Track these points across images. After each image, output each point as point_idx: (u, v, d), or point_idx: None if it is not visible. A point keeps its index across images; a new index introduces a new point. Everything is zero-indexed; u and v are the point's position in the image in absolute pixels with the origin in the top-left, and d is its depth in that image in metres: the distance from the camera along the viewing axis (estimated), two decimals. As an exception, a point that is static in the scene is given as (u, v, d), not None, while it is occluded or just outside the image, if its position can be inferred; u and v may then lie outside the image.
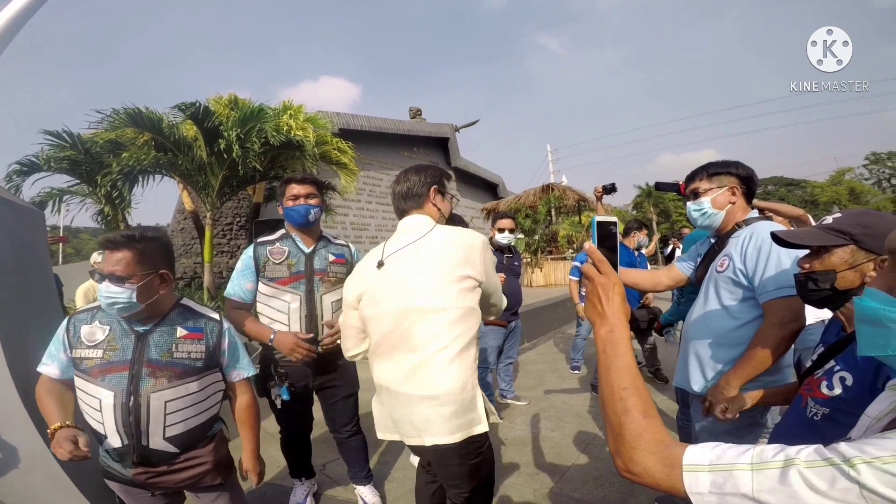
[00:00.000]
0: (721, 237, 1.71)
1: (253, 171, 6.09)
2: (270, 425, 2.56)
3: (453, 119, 31.77)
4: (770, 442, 0.83)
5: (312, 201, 2.12)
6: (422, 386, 1.34)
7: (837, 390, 1.02)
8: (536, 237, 11.21)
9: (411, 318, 1.37)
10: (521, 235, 11.94)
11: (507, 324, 3.66)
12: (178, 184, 7.47)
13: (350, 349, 1.57)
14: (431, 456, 1.48)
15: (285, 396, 2.04)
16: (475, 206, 16.65)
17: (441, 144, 16.74)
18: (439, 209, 1.56)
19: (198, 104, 5.66)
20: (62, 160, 5.76)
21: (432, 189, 1.54)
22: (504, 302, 1.68)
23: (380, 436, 1.55)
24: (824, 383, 1.06)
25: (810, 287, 1.12)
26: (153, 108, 5.83)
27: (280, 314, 2.08)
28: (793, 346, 1.46)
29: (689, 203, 1.74)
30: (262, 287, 2.10)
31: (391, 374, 1.41)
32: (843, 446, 0.51)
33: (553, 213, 12.33)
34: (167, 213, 14.75)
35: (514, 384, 4.03)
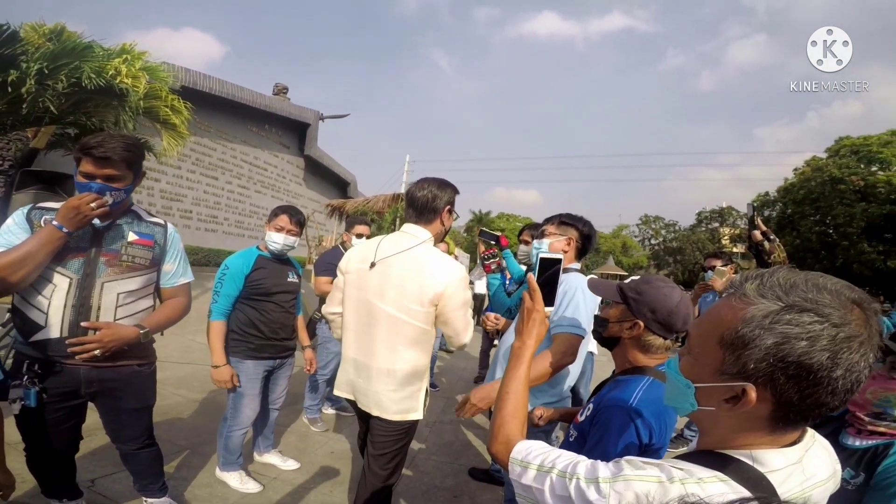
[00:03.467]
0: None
1: (44, 111, 4.89)
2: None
3: (322, 107, 30.14)
4: None
5: (115, 184, 1.62)
6: (383, 373, 1.68)
7: (582, 417, 1.31)
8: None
9: (381, 316, 1.67)
10: (362, 239, 11.94)
11: None
12: None
13: (332, 307, 1.89)
14: (373, 425, 1.77)
15: (30, 402, 1.56)
16: (320, 200, 16.07)
17: (299, 129, 15.78)
18: (444, 225, 1.78)
19: (5, 26, 4.47)
20: None
21: (446, 209, 1.75)
22: (462, 338, 1.76)
23: (336, 392, 1.85)
24: (583, 410, 1.34)
25: (594, 327, 1.43)
26: None
27: (41, 299, 1.59)
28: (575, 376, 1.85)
29: (534, 241, 2.01)
30: None
31: (359, 351, 1.73)
32: (600, 466, 0.69)
33: (398, 221, 12.68)
34: None
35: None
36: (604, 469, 0.68)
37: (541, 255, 1.02)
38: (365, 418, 1.84)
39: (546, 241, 1.93)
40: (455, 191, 1.80)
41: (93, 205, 1.54)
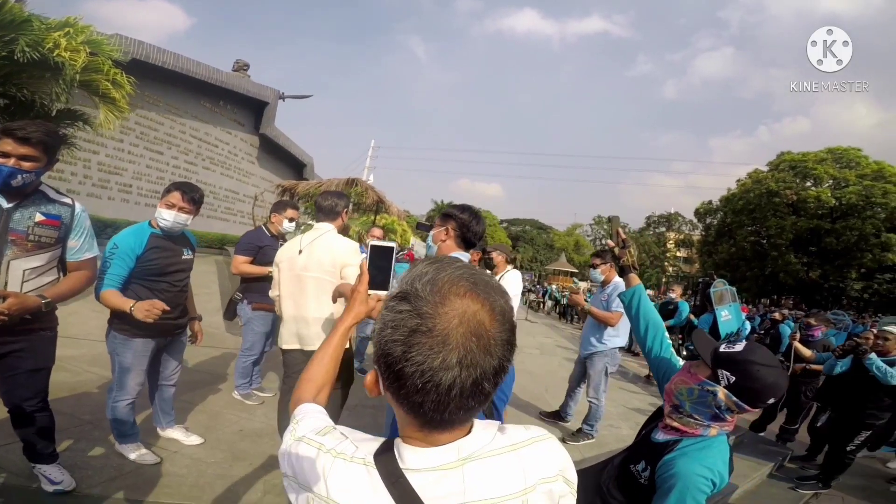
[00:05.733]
0: None
1: None
2: None
3: (284, 87, 29.12)
4: None
5: (27, 164, 1.77)
6: (317, 319, 2.35)
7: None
8: (328, 228, 11.27)
9: (309, 281, 2.36)
10: (311, 222, 11.81)
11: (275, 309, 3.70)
12: None
13: (275, 291, 2.53)
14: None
15: None
16: (273, 181, 15.71)
17: (256, 107, 15.24)
18: (344, 221, 2.52)
19: None
20: None
21: (344, 211, 2.51)
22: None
23: (283, 346, 2.46)
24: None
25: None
26: None
27: None
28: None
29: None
30: None
31: (297, 308, 2.40)
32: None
33: (350, 207, 12.63)
34: None
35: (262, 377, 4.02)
36: (303, 427, 0.72)
37: (371, 244, 1.12)
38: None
39: (431, 234, 2.13)
40: (349, 199, 2.60)
41: None
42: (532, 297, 21.89)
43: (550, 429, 4.10)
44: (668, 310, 7.95)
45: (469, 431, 0.62)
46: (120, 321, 2.41)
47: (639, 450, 1.44)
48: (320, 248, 2.36)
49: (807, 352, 4.59)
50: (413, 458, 0.60)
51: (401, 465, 0.60)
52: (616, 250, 1.84)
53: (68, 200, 2.01)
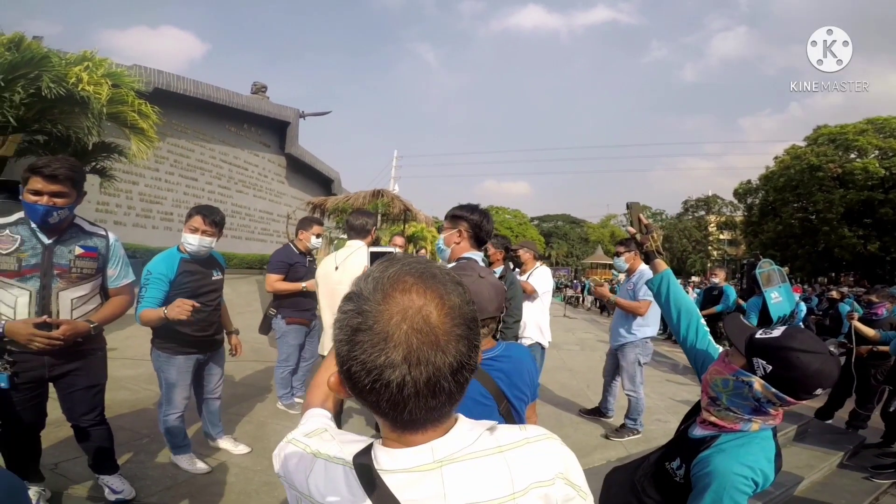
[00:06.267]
0: None
1: (5, 120, 4.94)
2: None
3: (304, 105, 30.06)
4: None
5: (60, 201, 1.87)
6: None
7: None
8: (359, 240, 11.48)
9: (340, 291, 2.20)
10: (343, 236, 12.04)
11: (308, 322, 3.81)
12: None
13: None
14: None
15: (3, 384, 1.83)
16: (304, 198, 16.13)
17: (279, 127, 15.75)
18: (372, 237, 2.72)
19: None
20: None
21: (374, 228, 2.75)
22: None
23: (322, 353, 2.62)
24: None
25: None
26: None
27: (6, 308, 1.88)
28: None
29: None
30: None
31: (332, 319, 2.31)
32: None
33: (379, 218, 12.81)
34: None
35: (304, 385, 4.12)
36: (296, 430, 0.75)
37: (371, 250, 1.15)
38: None
39: (442, 237, 2.09)
40: (376, 218, 2.70)
41: (40, 344, 1.87)
42: (570, 292, 21.46)
43: (593, 426, 4.02)
44: (712, 296, 7.61)
45: (447, 432, 0.60)
46: (162, 340, 2.57)
47: (675, 446, 1.37)
48: (353, 264, 2.51)
49: (869, 331, 4.27)
50: (386, 458, 0.59)
51: (375, 466, 0.59)
52: (638, 237, 1.77)
53: (102, 231, 2.15)
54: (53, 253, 1.95)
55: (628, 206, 1.94)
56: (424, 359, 0.52)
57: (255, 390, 4.31)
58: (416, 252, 12.87)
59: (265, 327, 3.88)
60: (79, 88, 5.38)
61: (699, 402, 1.35)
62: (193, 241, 2.51)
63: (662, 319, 3.99)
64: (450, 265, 1.98)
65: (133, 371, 4.15)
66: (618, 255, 3.92)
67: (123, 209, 10.72)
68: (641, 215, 1.80)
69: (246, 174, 14.91)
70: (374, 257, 1.18)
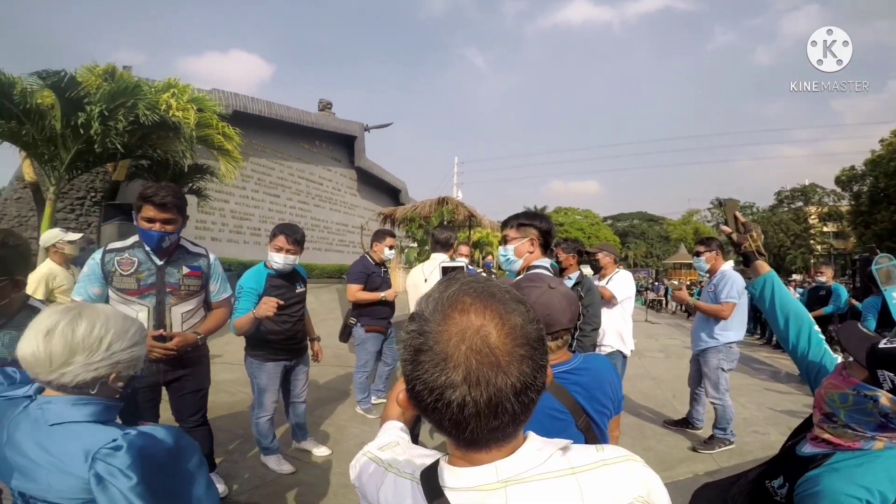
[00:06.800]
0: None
1: (115, 148, 5.59)
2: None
3: (364, 117, 31.38)
4: None
5: (169, 227, 2.09)
6: None
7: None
8: (427, 248, 11.69)
9: None
10: (413, 244, 12.33)
11: (385, 330, 4.01)
12: (20, 152, 6.56)
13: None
14: None
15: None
16: (374, 209, 16.77)
17: (347, 142, 16.55)
18: (455, 250, 3.03)
19: (63, 73, 5.15)
20: None
21: (456, 241, 3.01)
22: None
23: None
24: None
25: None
26: (11, 71, 5.19)
27: None
28: None
29: (500, 248, 2.11)
30: (110, 293, 2.11)
31: None
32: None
33: (444, 223, 12.98)
34: (3, 176, 12.50)
35: (387, 387, 4.34)
36: (372, 443, 0.79)
37: (442, 265, 1.15)
38: None
39: (511, 248, 2.02)
40: (458, 232, 2.87)
41: (157, 354, 2.09)
42: (651, 295, 20.16)
43: (678, 437, 3.78)
44: (818, 296, 6.77)
45: (513, 451, 0.58)
46: (253, 348, 2.82)
47: (779, 464, 1.21)
48: (438, 277, 2.67)
49: None
50: (451, 476, 0.59)
51: (441, 483, 0.59)
52: (734, 236, 1.60)
53: (203, 251, 2.36)
54: (165, 273, 2.17)
55: (722, 204, 1.79)
56: (485, 380, 0.51)
57: (336, 394, 4.53)
58: (483, 258, 12.85)
59: (345, 335, 4.08)
60: (170, 114, 5.93)
61: (810, 417, 1.21)
62: (279, 260, 2.73)
63: (760, 322, 3.63)
64: (519, 276, 1.94)
65: (231, 375, 4.53)
66: (697, 254, 3.68)
67: (218, 226, 11.77)
68: (738, 213, 1.64)
69: (321, 189, 15.79)
70: (446, 271, 1.19)
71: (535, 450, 0.59)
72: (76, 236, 3.80)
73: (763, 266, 1.50)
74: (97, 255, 2.11)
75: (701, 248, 3.66)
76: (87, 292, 2.06)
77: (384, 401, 4.27)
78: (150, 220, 2.05)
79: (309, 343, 3.13)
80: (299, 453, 3.13)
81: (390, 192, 19.91)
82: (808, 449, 1.14)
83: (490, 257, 11.83)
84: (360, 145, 16.76)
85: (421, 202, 12.48)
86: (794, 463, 1.15)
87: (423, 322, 0.55)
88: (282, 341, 2.83)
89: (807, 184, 39.36)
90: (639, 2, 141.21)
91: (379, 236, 4.06)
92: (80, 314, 0.95)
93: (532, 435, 0.61)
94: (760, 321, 10.90)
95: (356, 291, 3.88)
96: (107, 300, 2.10)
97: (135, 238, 2.15)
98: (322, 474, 2.91)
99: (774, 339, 9.80)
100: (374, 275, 3.92)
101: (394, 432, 0.82)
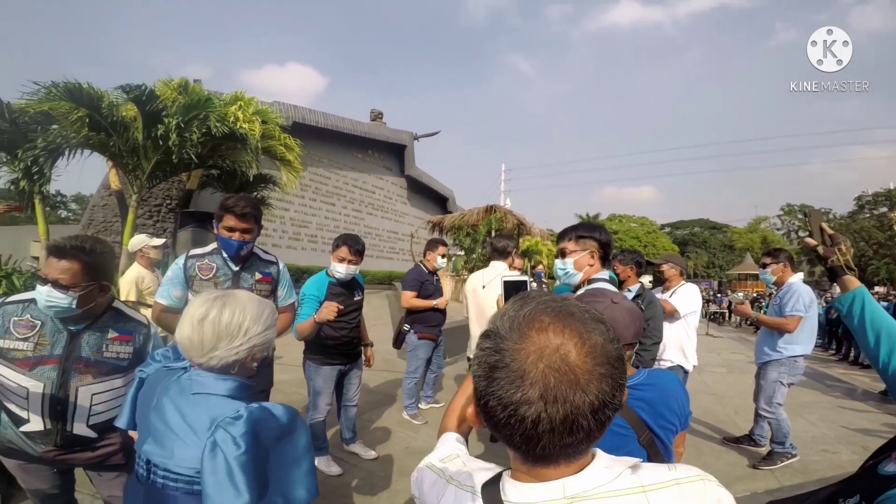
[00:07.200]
0: (574, 292, 2.09)
1: (189, 159, 6.00)
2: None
3: (413, 126, 32.10)
4: None
5: (248, 237, 2.17)
6: None
7: None
8: (475, 255, 11.68)
9: (489, 310, 2.91)
10: (461, 252, 12.38)
11: (436, 337, 4.10)
12: (108, 162, 7.25)
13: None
14: None
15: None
16: (424, 217, 17.02)
17: (397, 151, 16.93)
18: (512, 259, 3.13)
19: (143, 87, 5.60)
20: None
21: (513, 251, 3.15)
22: None
23: (469, 356, 2.84)
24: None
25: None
26: (98, 85, 5.68)
27: None
28: None
29: (557, 261, 2.03)
30: (191, 296, 2.22)
31: (478, 330, 2.82)
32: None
33: (493, 234, 12.93)
34: (92, 184, 13.84)
35: (435, 393, 4.48)
36: (432, 455, 0.80)
37: (504, 280, 1.14)
38: None
39: (570, 261, 1.94)
40: (516, 241, 2.90)
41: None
42: (713, 308, 18.96)
43: (736, 455, 3.58)
44: (908, 311, 6.15)
45: (582, 468, 0.57)
46: (311, 352, 2.94)
47: (857, 482, 1.14)
48: (496, 285, 2.78)
49: None
50: (514, 491, 0.59)
51: (503, 498, 0.59)
52: (821, 249, 1.50)
53: (273, 258, 2.43)
54: (240, 278, 2.25)
55: (807, 215, 1.69)
56: (562, 397, 0.51)
57: (386, 398, 4.63)
58: (533, 267, 12.66)
59: (398, 342, 4.18)
60: (237, 126, 6.28)
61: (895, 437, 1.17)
62: (341, 270, 2.86)
63: (836, 337, 3.35)
64: (579, 291, 1.87)
65: (287, 376, 4.72)
66: (764, 266, 3.50)
67: (279, 233, 12.36)
68: (824, 224, 1.55)
69: (374, 197, 16.24)
70: (508, 286, 1.20)
71: (604, 467, 0.58)
72: (160, 241, 4.10)
73: (852, 281, 1.41)
74: (180, 260, 2.22)
75: (767, 260, 3.48)
76: (170, 294, 2.16)
77: (431, 406, 4.34)
78: (231, 230, 2.12)
79: (362, 348, 3.23)
80: (348, 455, 3.23)
81: (438, 200, 20.13)
82: (891, 468, 1.08)
83: (540, 266, 11.63)
84: (409, 154, 17.11)
85: (469, 210, 12.53)
86: (874, 481, 1.09)
87: (499, 340, 0.56)
88: (339, 346, 2.95)
89: (892, 187, 35.64)
90: (691, 1, 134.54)
91: (432, 245, 4.15)
92: (225, 303, 1.07)
93: (600, 452, 0.60)
94: (836, 336, 10.29)
95: (410, 298, 3.97)
96: (186, 302, 2.22)
97: (213, 245, 2.26)
98: (367, 478, 2.98)
99: (852, 354, 9.09)
100: (427, 282, 4.02)
101: (452, 444, 0.83)
